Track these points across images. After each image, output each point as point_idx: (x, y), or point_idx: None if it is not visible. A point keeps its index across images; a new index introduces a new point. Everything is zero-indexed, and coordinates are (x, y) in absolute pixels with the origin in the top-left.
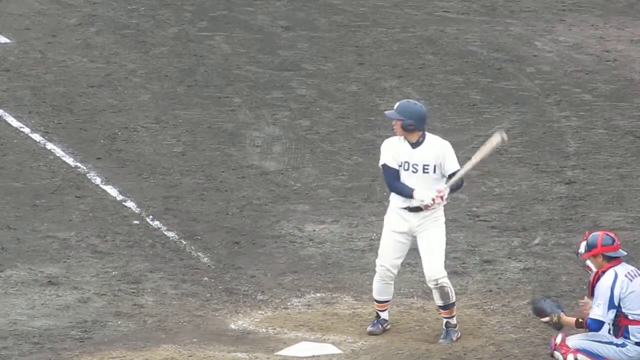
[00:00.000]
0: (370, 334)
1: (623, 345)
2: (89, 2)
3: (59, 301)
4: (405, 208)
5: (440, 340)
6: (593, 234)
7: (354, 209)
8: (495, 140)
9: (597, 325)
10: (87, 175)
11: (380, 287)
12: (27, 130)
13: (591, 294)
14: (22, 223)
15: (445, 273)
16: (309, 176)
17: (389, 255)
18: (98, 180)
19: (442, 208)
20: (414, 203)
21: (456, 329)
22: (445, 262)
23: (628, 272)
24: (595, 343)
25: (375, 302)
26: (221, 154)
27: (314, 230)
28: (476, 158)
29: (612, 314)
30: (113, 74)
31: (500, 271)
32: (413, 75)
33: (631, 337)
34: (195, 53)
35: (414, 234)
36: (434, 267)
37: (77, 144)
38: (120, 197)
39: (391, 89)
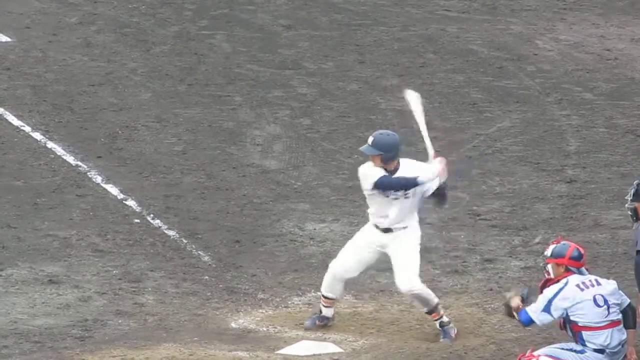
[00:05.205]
0: (306, 329)
1: (582, 352)
2: (89, 1)
3: (59, 300)
4: (377, 228)
5: (441, 340)
6: (564, 243)
7: (354, 208)
8: (414, 99)
9: (526, 318)
10: (88, 174)
11: (330, 283)
12: (27, 129)
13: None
14: (23, 222)
15: (418, 282)
16: (310, 175)
17: (347, 260)
18: (99, 179)
19: (417, 220)
20: (384, 224)
21: (451, 325)
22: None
23: (582, 282)
24: (557, 349)
25: (322, 297)
26: (222, 153)
27: (315, 229)
28: (422, 125)
29: (543, 317)
30: (114, 73)
31: (501, 270)
32: (414, 74)
33: (587, 344)
34: (196, 52)
35: (384, 249)
36: (408, 282)
37: (77, 142)
38: (121, 196)
39: (392, 87)
